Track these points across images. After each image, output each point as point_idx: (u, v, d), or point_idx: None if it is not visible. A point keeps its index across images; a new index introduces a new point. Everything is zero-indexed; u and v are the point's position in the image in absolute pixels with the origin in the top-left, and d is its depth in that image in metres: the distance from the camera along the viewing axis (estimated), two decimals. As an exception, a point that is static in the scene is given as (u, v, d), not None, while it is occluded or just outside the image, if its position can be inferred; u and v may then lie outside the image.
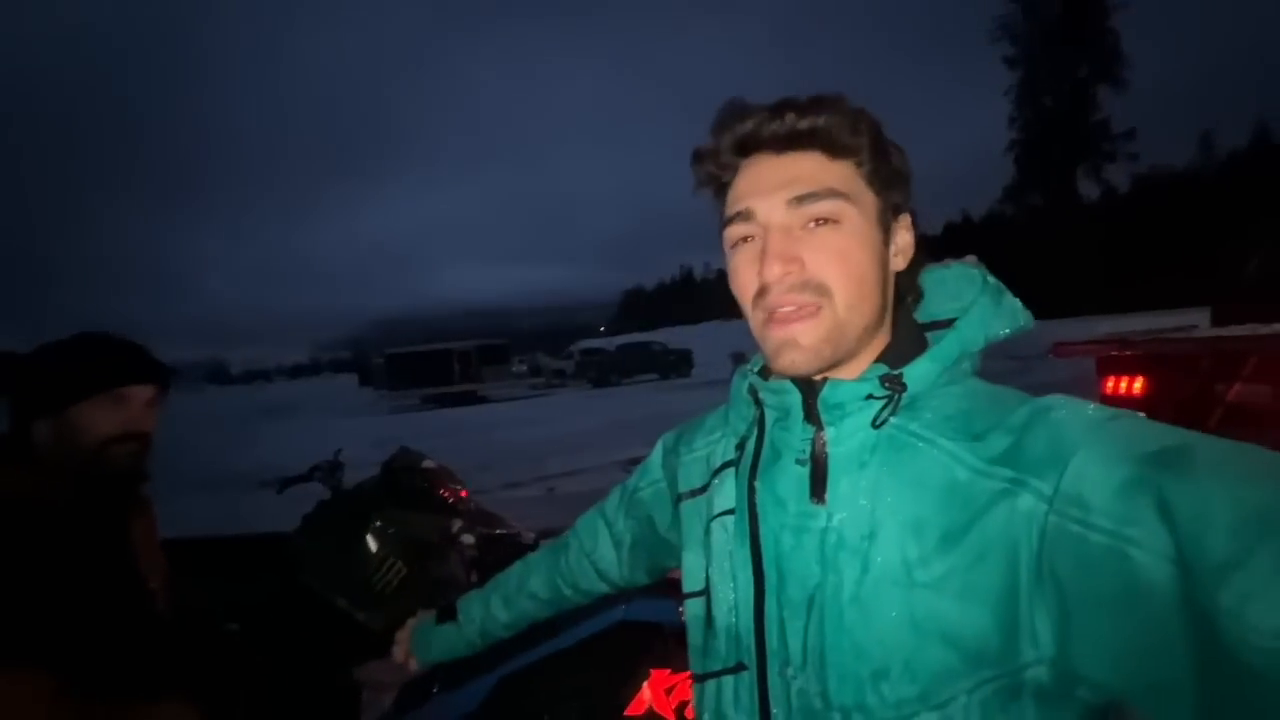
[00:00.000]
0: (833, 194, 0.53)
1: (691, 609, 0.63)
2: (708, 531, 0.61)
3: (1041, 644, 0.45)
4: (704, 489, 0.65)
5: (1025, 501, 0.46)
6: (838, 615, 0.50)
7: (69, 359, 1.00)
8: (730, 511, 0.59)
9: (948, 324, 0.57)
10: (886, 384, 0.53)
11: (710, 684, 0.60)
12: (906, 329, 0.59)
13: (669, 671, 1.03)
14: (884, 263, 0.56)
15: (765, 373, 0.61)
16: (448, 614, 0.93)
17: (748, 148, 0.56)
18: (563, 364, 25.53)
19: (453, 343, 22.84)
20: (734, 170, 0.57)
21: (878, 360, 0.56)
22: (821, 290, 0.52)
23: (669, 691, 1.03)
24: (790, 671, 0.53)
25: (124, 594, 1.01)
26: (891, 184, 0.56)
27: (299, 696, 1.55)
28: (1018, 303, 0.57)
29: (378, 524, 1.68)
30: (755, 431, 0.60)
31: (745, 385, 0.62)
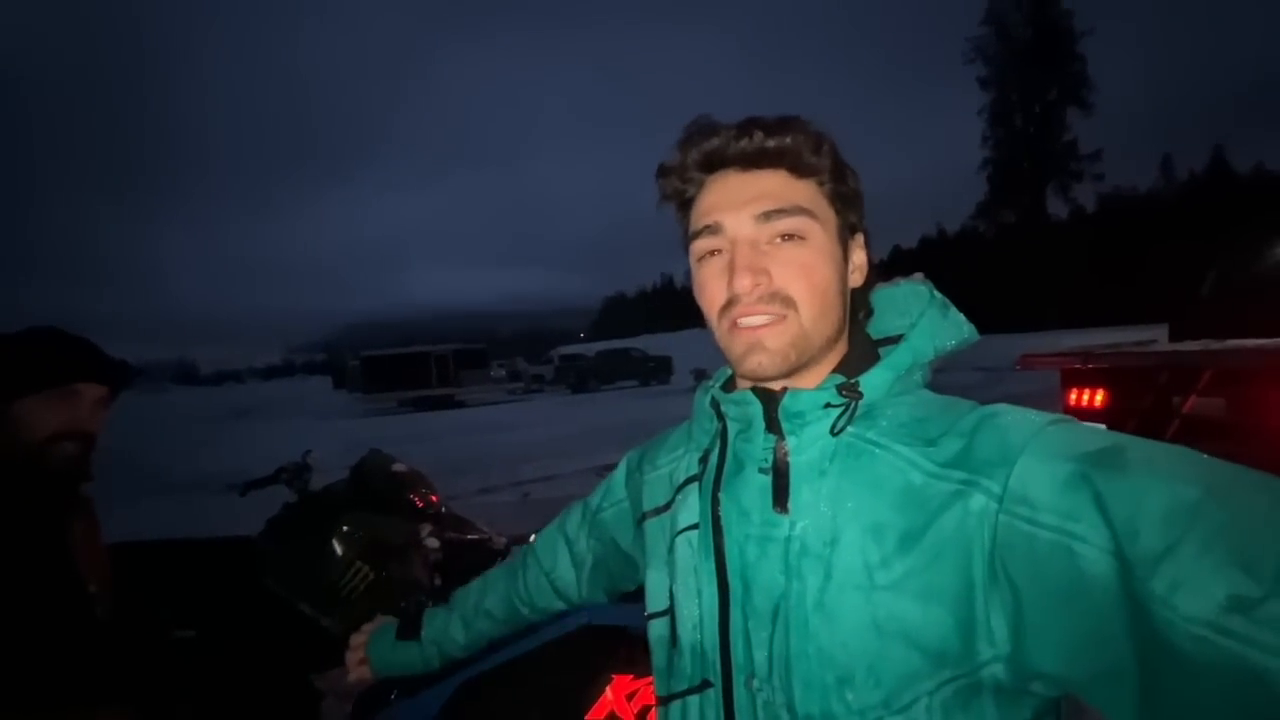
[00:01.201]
0: (799, 210, 0.55)
1: (655, 630, 0.63)
2: (671, 548, 0.62)
3: (998, 641, 0.46)
4: (667, 506, 0.65)
5: (977, 502, 0.47)
6: (803, 623, 0.51)
7: (16, 352, 0.97)
8: (694, 526, 0.60)
9: (898, 339, 0.59)
10: (844, 392, 0.55)
11: (675, 705, 0.60)
12: (861, 343, 0.61)
13: (632, 677, 1.03)
14: (844, 278, 0.59)
15: (728, 386, 0.63)
16: (410, 629, 0.91)
17: (714, 164, 0.58)
18: (542, 369, 25.39)
19: (430, 346, 22.53)
20: (699, 185, 0.59)
21: (834, 371, 0.58)
22: (788, 302, 0.54)
23: (631, 697, 1.03)
24: (756, 684, 0.53)
25: (59, 597, 0.97)
26: (849, 204, 0.59)
27: (258, 703, 1.51)
28: (962, 317, 0.60)
29: (344, 528, 1.64)
30: (718, 445, 0.61)
31: (707, 399, 0.63)
